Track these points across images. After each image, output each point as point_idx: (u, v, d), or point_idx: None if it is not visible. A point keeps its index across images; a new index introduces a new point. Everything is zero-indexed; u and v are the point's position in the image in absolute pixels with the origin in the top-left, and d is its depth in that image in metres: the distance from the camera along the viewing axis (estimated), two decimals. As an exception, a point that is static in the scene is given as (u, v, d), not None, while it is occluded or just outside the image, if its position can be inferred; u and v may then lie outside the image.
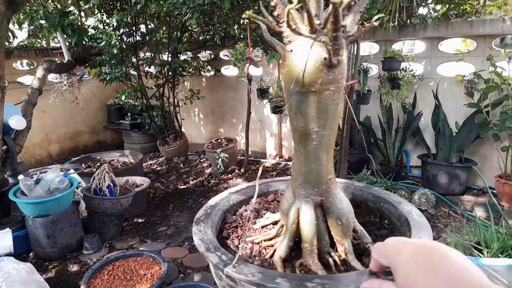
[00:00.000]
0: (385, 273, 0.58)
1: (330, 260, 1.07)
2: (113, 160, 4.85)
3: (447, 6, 3.91)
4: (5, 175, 3.24)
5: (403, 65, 4.07)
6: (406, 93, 4.09)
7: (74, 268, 2.95)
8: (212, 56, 5.71)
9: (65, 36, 4.14)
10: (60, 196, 2.91)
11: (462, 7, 3.98)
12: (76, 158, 4.77)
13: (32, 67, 5.45)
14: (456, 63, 3.96)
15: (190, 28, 5.09)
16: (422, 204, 3.52)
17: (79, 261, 3.05)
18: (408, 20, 3.96)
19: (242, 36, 4.22)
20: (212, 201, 1.29)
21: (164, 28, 5.06)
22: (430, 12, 4.07)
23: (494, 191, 3.67)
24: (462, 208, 3.62)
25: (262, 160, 5.42)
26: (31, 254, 3.11)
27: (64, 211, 3.03)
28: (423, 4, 4.00)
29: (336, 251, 1.08)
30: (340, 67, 0.96)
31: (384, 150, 4.35)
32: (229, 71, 5.77)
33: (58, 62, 4.18)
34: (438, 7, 4.12)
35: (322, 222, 1.10)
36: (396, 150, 4.25)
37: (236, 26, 4.41)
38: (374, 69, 4.31)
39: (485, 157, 3.98)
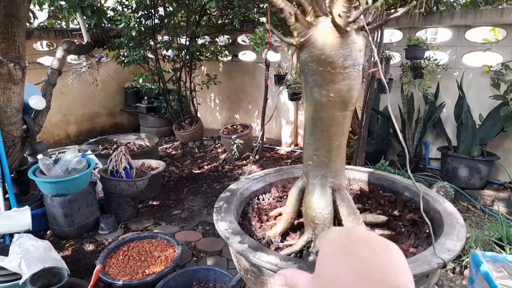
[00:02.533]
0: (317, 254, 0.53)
1: (290, 239, 1.10)
2: (129, 142, 4.89)
3: (477, -8, 3.73)
4: (25, 154, 3.30)
5: (427, 53, 3.93)
6: (429, 82, 3.96)
7: (90, 247, 3.01)
8: (230, 41, 5.65)
9: (85, 18, 4.14)
10: (77, 176, 2.95)
11: (492, -7, 3.80)
12: (93, 140, 4.83)
13: (51, 48, 5.49)
14: (483, 53, 3.80)
15: (209, 11, 5.03)
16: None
17: (95, 240, 3.10)
18: (435, 7, 3.80)
19: (261, 21, 4.14)
20: (234, 185, 1.28)
21: (182, 11, 5.00)
22: (458, -1, 3.90)
23: (517, 187, 3.56)
24: (482, 202, 3.52)
25: (276, 147, 5.38)
26: (48, 232, 3.18)
27: (81, 191, 3.07)
28: (451, -11, 3.83)
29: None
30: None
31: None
32: (246, 56, 5.70)
33: (78, 43, 4.19)
34: (467, -7, 3.94)
35: None
36: (416, 141, 4.15)
37: (255, 10, 4.33)
38: (396, 57, 4.18)
39: (508, 151, 3.85)
